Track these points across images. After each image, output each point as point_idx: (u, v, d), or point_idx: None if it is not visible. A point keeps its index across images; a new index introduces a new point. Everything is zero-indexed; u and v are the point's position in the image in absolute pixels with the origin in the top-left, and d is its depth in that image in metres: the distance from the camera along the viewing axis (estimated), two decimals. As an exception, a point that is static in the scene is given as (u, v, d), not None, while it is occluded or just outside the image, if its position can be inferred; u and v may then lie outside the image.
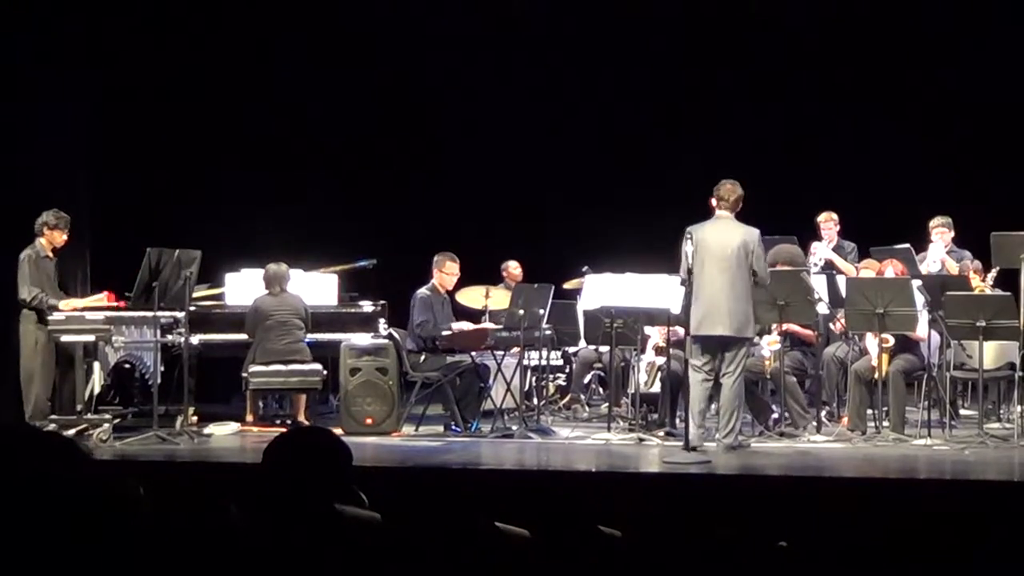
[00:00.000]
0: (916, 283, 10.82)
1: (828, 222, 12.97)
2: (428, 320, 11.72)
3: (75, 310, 11.25)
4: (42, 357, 11.14)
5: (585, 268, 12.55)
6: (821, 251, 12.73)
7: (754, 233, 10.21)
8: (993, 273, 11.77)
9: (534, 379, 13.05)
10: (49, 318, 11.06)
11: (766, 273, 10.33)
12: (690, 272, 10.02)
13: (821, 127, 15.34)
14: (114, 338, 11.19)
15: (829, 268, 12.45)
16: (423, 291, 11.87)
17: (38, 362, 11.12)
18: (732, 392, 10.12)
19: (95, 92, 13.44)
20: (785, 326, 10.94)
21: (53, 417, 11.03)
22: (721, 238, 10.14)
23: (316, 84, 15.55)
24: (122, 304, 11.56)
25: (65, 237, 11.42)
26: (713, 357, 10.16)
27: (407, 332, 11.96)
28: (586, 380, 13.49)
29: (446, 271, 11.97)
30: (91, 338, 11.12)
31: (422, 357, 11.74)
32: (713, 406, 10.86)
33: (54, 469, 2.61)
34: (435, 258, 12.01)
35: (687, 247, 10.03)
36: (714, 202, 10.32)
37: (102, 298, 11.56)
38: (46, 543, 2.54)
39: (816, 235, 12.92)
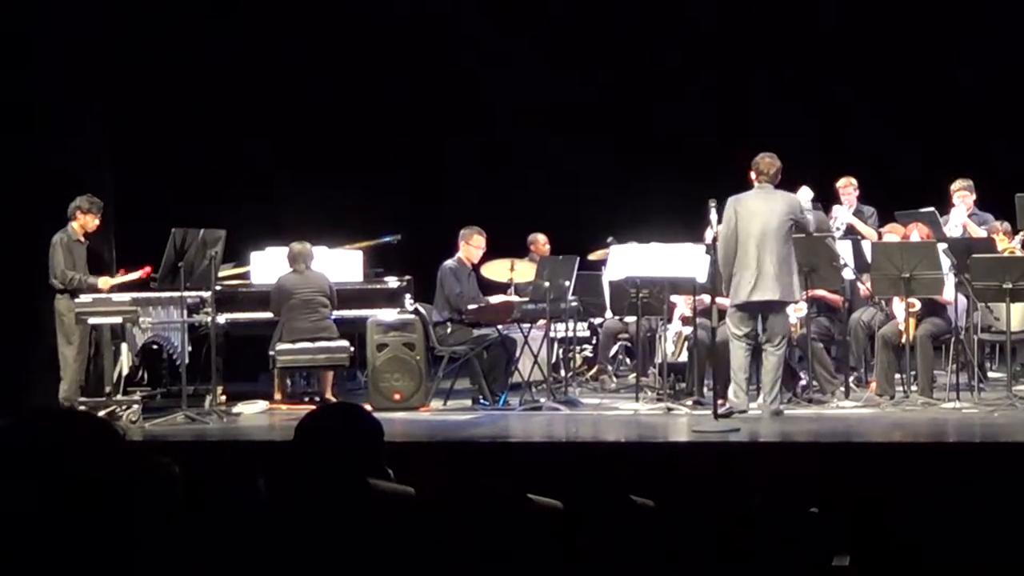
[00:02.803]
0: (942, 246, 10.79)
1: (848, 187, 12.95)
2: (462, 291, 11.73)
3: (113, 287, 11.28)
4: (76, 339, 11.19)
5: (610, 239, 12.53)
6: (842, 215, 12.71)
7: (795, 200, 10.41)
8: (1021, 236, 11.71)
9: (561, 351, 13.04)
10: (76, 300, 11.10)
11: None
12: (715, 240, 10.15)
13: (844, 93, 15.26)
14: (141, 319, 11.21)
15: (850, 233, 12.43)
16: (450, 263, 11.85)
17: (73, 344, 11.17)
18: (777, 360, 10.22)
19: (115, 72, 13.40)
20: (811, 292, 10.93)
21: (82, 399, 11.09)
22: (765, 207, 10.27)
23: (338, 60, 15.52)
24: (147, 272, 11.52)
25: (97, 222, 11.45)
26: (754, 325, 10.27)
27: (433, 306, 11.96)
28: (613, 351, 13.48)
29: (473, 244, 11.96)
30: (118, 320, 11.15)
31: (448, 330, 11.74)
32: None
33: (91, 449, 2.62)
34: (462, 231, 12.00)
35: (729, 214, 10.18)
36: (753, 175, 10.37)
37: (139, 273, 11.53)
38: (84, 523, 2.55)
39: (835, 200, 12.89)
